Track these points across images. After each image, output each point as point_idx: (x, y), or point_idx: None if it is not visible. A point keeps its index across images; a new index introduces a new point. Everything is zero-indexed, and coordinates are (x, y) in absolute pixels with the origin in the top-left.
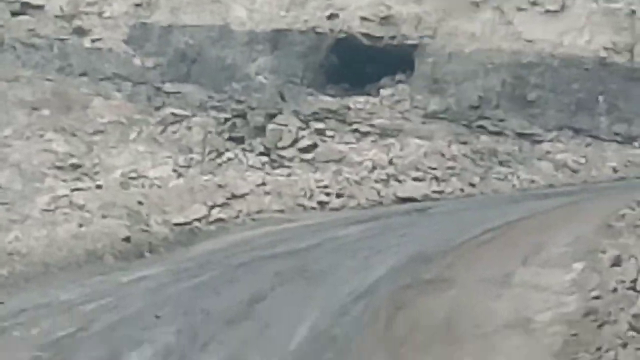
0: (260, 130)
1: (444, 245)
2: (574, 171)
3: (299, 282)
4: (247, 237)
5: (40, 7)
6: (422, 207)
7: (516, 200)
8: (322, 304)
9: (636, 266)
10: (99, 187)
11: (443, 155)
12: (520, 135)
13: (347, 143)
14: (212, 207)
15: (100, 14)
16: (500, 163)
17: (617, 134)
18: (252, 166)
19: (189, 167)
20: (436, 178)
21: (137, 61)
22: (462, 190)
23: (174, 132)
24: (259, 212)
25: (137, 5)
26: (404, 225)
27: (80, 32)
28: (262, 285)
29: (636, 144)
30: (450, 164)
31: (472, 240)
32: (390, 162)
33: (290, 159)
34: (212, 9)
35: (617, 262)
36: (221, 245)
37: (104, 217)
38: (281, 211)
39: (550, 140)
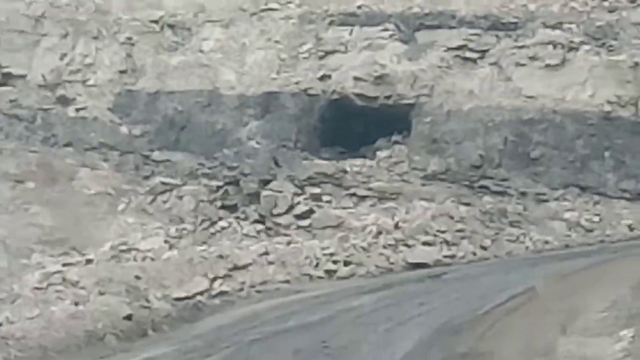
0: (254, 197)
1: (469, 315)
2: (589, 230)
3: None
4: (255, 311)
5: (22, 77)
6: (435, 273)
7: (534, 263)
8: None
9: None
10: (89, 261)
11: (451, 217)
12: (525, 194)
13: (344, 208)
14: (214, 279)
15: (84, 82)
16: (511, 224)
17: (624, 190)
18: (247, 235)
19: (180, 237)
20: (446, 242)
21: (123, 129)
22: (474, 253)
23: (164, 202)
24: (263, 283)
25: (122, 72)
26: (420, 293)
27: (64, 101)
28: None
29: None
30: (459, 226)
31: (498, 307)
32: (397, 227)
33: (287, 226)
34: (200, 73)
35: None
36: (228, 320)
37: (101, 293)
38: (287, 282)
39: (557, 199)
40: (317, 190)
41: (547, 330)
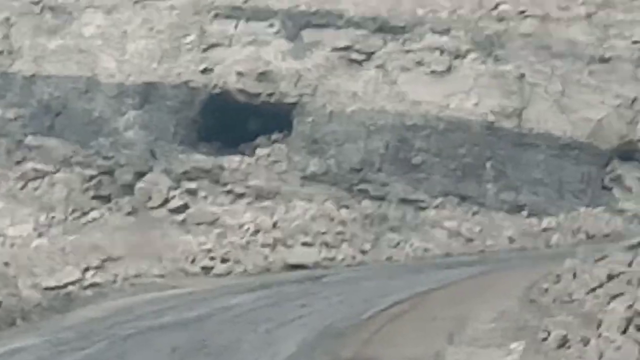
0: (128, 189)
1: (353, 319)
2: (469, 240)
3: None
4: (129, 304)
5: None
6: (315, 275)
7: (417, 269)
8: None
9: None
10: None
11: (332, 219)
12: (404, 200)
13: (220, 205)
14: (86, 269)
15: None
16: (391, 229)
17: (504, 201)
18: (119, 227)
19: (50, 226)
20: (326, 244)
21: None
22: (353, 257)
23: (35, 189)
24: (137, 276)
25: None
26: (300, 294)
27: None
28: None
29: (524, 212)
30: (339, 228)
31: (382, 313)
32: (275, 226)
33: (160, 220)
34: (79, 59)
35: (562, 343)
36: (101, 312)
37: None
38: (162, 276)
39: (436, 207)
40: (193, 185)
41: (435, 338)
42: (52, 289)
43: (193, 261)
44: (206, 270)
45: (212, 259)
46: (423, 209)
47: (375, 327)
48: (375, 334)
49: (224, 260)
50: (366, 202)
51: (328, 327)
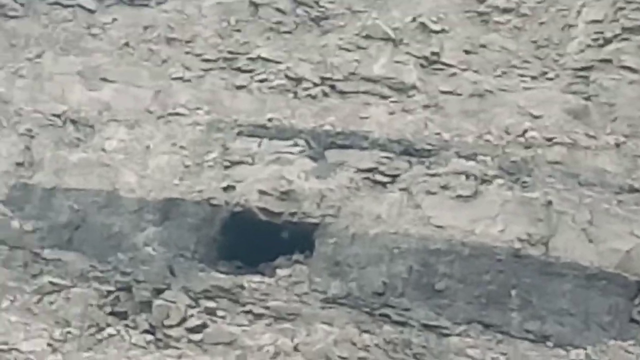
0: (146, 306)
1: None
2: None
3: None
4: None
5: None
6: None
7: None
8: None
9: None
10: None
11: (354, 344)
12: (427, 326)
13: (239, 325)
14: None
15: None
16: (415, 356)
17: (529, 331)
18: (135, 344)
19: (65, 341)
20: None
21: (15, 224)
22: None
23: (51, 303)
24: None
25: (19, 164)
26: None
27: None
28: None
29: (550, 343)
30: (362, 354)
31: None
32: (296, 349)
33: (178, 339)
34: (100, 172)
35: None
36: None
37: None
38: None
39: (459, 335)
40: (212, 304)
41: None
42: None
43: None
44: None
45: None
46: (446, 335)
47: None
48: None
49: None
50: (387, 327)
51: None
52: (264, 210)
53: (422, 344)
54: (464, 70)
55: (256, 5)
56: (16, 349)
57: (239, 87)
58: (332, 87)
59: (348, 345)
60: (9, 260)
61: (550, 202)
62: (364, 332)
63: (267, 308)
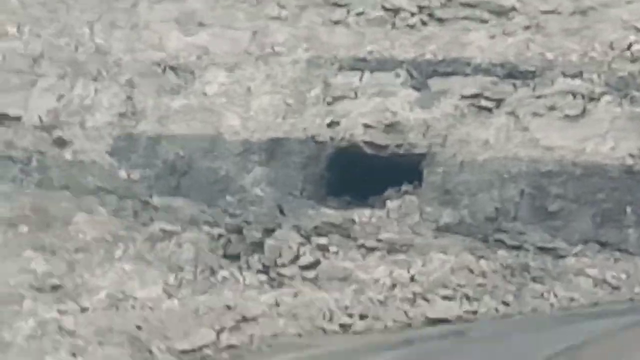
0: (258, 247)
1: None
2: (615, 288)
3: None
4: None
5: (17, 118)
6: (458, 329)
7: (565, 321)
8: None
9: None
10: (84, 309)
11: (471, 271)
12: (542, 249)
13: (352, 260)
14: (221, 331)
15: (82, 124)
16: (534, 279)
17: None
18: (249, 285)
19: (179, 287)
20: (467, 297)
21: (122, 174)
22: (496, 310)
23: (163, 250)
24: (274, 336)
25: (122, 114)
26: (445, 351)
27: (61, 143)
28: None
29: None
30: (480, 280)
31: None
32: (413, 279)
33: (292, 277)
34: (203, 117)
35: None
36: None
37: (100, 344)
38: (299, 335)
39: (575, 255)
40: (323, 240)
41: None
42: (187, 352)
43: (330, 319)
44: (345, 327)
45: (350, 315)
46: (562, 257)
47: None
48: None
49: (362, 317)
50: (502, 252)
51: None
52: (369, 143)
53: (539, 266)
54: None
55: None
56: (133, 297)
57: (336, 22)
58: (430, 15)
59: (465, 273)
60: (119, 210)
61: None
62: (481, 259)
63: (379, 241)
